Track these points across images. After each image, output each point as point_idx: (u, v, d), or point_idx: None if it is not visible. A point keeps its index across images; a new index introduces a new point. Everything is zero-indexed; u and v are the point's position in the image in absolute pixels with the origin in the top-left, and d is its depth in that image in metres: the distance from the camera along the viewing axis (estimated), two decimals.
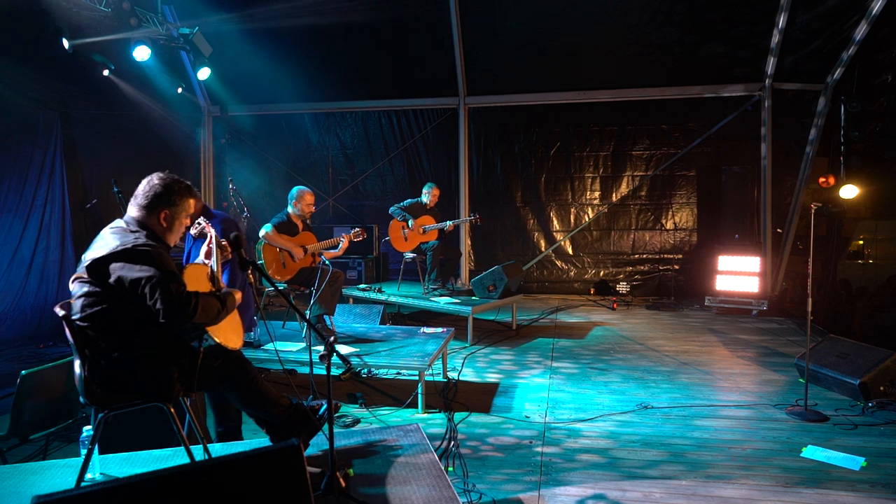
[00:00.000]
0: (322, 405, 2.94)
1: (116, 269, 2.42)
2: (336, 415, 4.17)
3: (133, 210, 2.63)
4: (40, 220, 7.52)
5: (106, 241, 2.51)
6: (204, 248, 3.00)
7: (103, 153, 8.25)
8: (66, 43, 6.45)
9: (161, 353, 2.56)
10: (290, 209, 5.53)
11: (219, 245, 2.98)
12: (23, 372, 3.24)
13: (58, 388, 3.43)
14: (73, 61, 6.79)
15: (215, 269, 2.89)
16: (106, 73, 7.27)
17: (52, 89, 7.43)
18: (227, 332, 2.76)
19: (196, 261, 2.97)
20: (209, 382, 2.68)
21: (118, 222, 2.63)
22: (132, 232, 2.54)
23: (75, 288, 2.53)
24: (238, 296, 2.79)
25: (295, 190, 5.56)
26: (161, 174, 2.68)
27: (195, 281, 2.69)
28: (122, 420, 2.69)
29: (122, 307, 2.48)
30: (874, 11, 7.19)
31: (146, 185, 2.64)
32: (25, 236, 7.33)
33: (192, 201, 2.75)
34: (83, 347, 2.50)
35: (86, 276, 2.47)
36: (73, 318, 2.50)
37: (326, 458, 2.56)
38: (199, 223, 3.26)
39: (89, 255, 2.49)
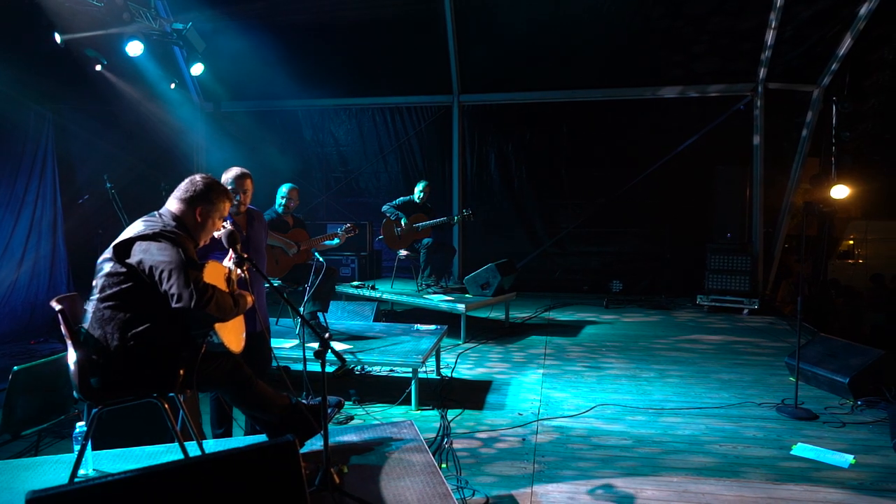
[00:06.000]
0: (328, 401, 2.92)
1: (138, 252, 2.49)
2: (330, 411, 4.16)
3: (172, 203, 2.73)
4: (31, 216, 7.48)
5: (135, 227, 2.61)
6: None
7: (95, 149, 8.19)
8: (58, 38, 6.40)
9: (166, 345, 2.57)
10: (278, 206, 5.55)
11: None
12: (14, 368, 3.24)
13: (50, 384, 3.42)
14: (66, 56, 6.73)
15: (233, 272, 2.89)
16: (98, 68, 7.22)
17: (43, 84, 7.36)
18: (232, 334, 2.77)
19: (224, 262, 2.95)
20: (206, 380, 2.69)
21: (153, 213, 2.71)
22: (163, 222, 2.64)
23: (100, 267, 2.56)
24: (249, 300, 2.82)
25: (280, 187, 5.60)
26: (203, 175, 2.83)
27: (213, 277, 2.71)
28: (116, 416, 2.69)
29: (140, 291, 2.51)
30: (865, 13, 7.25)
31: (188, 182, 2.77)
32: (16, 232, 7.28)
33: (227, 204, 2.86)
34: (88, 334, 2.50)
35: (111, 255, 2.53)
36: (93, 298, 2.54)
37: (320, 455, 2.57)
38: (224, 226, 3.24)
39: (118, 238, 2.57)
